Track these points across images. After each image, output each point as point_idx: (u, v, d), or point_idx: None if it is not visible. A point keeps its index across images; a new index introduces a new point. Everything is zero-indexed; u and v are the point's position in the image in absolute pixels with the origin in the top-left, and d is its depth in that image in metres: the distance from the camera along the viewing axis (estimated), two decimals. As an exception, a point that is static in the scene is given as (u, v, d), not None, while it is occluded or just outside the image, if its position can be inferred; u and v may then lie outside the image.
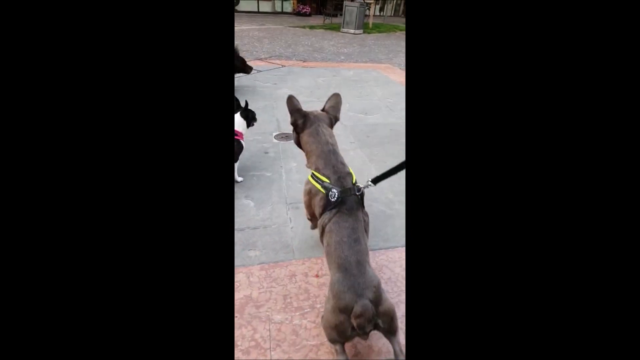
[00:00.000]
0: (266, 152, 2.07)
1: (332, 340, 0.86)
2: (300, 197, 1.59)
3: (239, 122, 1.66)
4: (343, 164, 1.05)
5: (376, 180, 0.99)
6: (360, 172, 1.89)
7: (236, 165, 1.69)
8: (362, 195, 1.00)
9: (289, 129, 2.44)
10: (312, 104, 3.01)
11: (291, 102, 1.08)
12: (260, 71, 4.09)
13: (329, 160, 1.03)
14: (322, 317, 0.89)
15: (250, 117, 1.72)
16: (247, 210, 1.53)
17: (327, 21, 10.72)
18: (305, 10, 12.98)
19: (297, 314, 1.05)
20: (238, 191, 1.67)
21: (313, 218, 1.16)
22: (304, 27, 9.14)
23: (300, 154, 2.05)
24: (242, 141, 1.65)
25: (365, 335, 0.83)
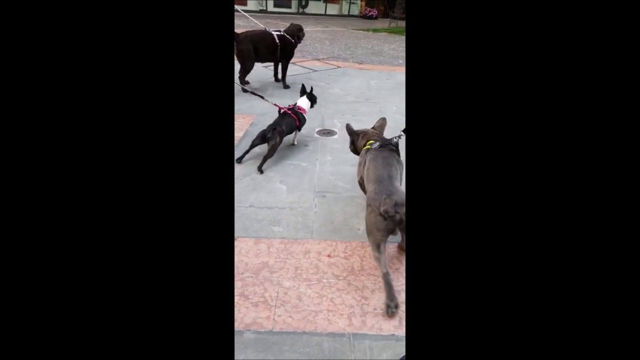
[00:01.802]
0: (306, 145, 2.24)
1: (372, 240, 1.14)
2: (328, 187, 1.77)
3: (304, 102, 2.24)
4: (388, 139, 1.46)
5: (406, 130, 1.35)
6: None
7: (298, 133, 2.21)
8: (397, 145, 1.40)
9: (332, 126, 2.58)
10: (358, 105, 3.11)
11: (349, 128, 1.62)
12: (316, 71, 4.30)
13: (376, 135, 1.52)
14: (365, 228, 1.18)
15: (313, 100, 2.32)
16: (278, 193, 1.70)
17: (393, 24, 10.61)
18: (372, 13, 13.00)
19: (304, 284, 1.17)
20: (274, 176, 1.85)
21: (360, 179, 1.51)
22: (367, 30, 9.22)
23: (336, 149, 2.18)
24: (304, 115, 2.19)
25: (395, 227, 1.11)
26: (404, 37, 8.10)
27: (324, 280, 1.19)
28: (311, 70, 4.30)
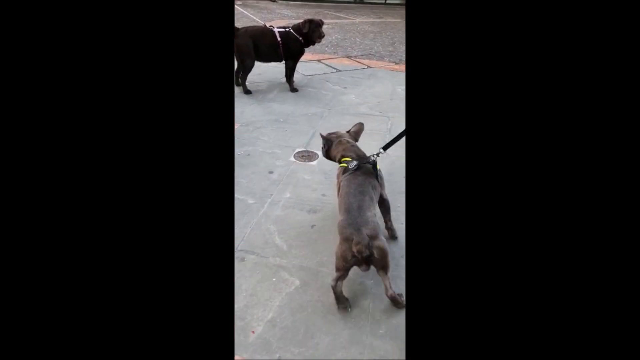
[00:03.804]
0: (271, 172, 1.84)
1: (337, 268, 1.10)
2: (257, 244, 1.37)
3: None
4: (364, 153, 1.36)
5: (385, 147, 1.31)
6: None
7: None
8: (374, 164, 1.29)
9: (319, 146, 2.12)
10: (368, 120, 2.56)
11: (323, 137, 1.45)
12: (340, 71, 3.80)
13: (352, 150, 1.37)
14: (335, 251, 1.13)
15: None
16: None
17: (459, 15, 9.30)
18: (438, 2, 11.63)
19: None
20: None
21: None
22: (426, 21, 8.19)
23: (303, 183, 1.74)
24: None
25: (363, 263, 1.06)
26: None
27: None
28: (335, 70, 3.81)
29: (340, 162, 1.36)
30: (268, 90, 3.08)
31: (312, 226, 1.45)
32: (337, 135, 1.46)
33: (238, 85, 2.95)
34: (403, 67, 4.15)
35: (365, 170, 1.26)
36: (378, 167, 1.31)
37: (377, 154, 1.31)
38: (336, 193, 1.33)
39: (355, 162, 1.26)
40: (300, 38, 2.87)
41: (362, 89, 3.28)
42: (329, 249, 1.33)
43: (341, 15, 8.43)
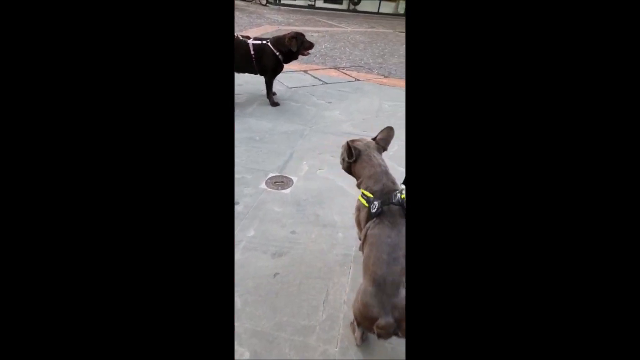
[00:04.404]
0: (236, 203, 1.64)
1: (358, 325, 0.97)
2: None
3: None
4: (394, 182, 1.09)
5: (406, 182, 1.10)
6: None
7: None
8: (401, 204, 1.00)
9: (295, 170, 1.94)
10: (350, 138, 2.40)
11: (348, 147, 1.13)
12: (327, 83, 3.64)
13: (379, 180, 1.07)
14: (353, 305, 0.97)
15: None
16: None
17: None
18: (431, 13, 11.70)
19: None
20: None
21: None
22: (417, 33, 8.15)
23: (271, 220, 1.53)
24: None
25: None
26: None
27: None
28: (321, 82, 3.65)
29: (359, 187, 1.10)
30: (247, 104, 2.88)
31: (275, 275, 1.26)
32: (365, 145, 1.14)
33: None
34: (391, 81, 4.02)
35: (393, 213, 0.98)
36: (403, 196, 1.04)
37: (401, 191, 1.03)
38: (360, 242, 1.06)
39: (377, 204, 0.99)
40: (278, 53, 2.66)
41: (348, 103, 3.12)
42: (292, 305, 1.14)
43: (333, 23, 8.32)
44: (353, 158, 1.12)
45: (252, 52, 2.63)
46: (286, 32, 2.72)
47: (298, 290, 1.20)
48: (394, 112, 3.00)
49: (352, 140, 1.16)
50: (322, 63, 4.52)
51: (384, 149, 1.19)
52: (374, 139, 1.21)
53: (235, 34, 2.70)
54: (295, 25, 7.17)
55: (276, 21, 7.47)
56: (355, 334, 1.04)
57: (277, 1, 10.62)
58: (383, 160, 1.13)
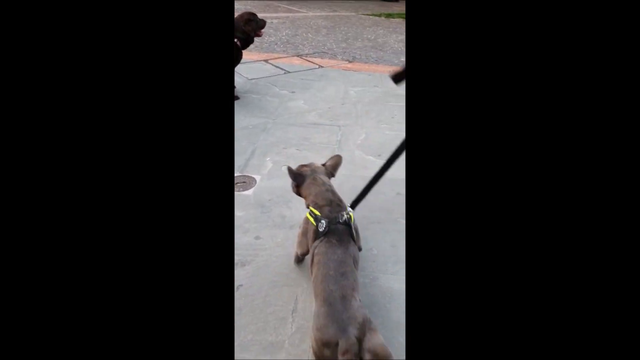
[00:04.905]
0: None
1: None
2: None
3: None
4: (340, 201, 1.12)
5: (353, 205, 1.19)
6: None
7: None
8: (348, 224, 1.03)
9: (258, 168, 1.82)
10: (316, 130, 2.29)
11: (291, 172, 1.15)
12: (289, 72, 3.48)
13: (326, 197, 1.10)
14: (311, 337, 0.87)
15: None
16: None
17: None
18: (394, -6, 11.61)
19: None
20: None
21: (302, 254, 1.21)
22: (379, 15, 8.06)
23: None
24: None
25: None
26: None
27: None
28: (284, 71, 3.48)
29: (308, 207, 1.12)
30: (204, 99, 2.68)
31: (238, 287, 1.15)
32: (312, 170, 1.19)
33: None
34: (356, 66, 3.92)
35: (340, 232, 1.00)
36: (352, 220, 1.07)
37: (348, 212, 1.06)
38: (309, 263, 1.04)
39: (324, 223, 1.01)
40: (236, 40, 2.44)
41: (313, 92, 3.00)
42: (257, 320, 1.05)
43: (294, 8, 8.02)
44: (296, 182, 1.17)
45: None
46: (236, 16, 2.52)
47: (263, 302, 1.11)
48: (360, 98, 2.92)
49: (301, 166, 1.22)
50: (284, 51, 4.32)
51: (332, 175, 1.23)
52: (323, 165, 1.25)
53: None
54: (254, 12, 6.83)
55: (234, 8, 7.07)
56: None
57: (234, -13, 10.07)
58: (329, 182, 1.18)
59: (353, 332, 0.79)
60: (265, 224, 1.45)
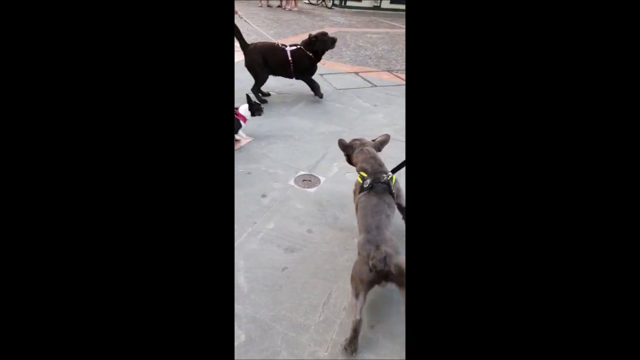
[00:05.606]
0: (263, 196, 1.74)
1: (354, 287, 1.09)
2: None
3: (244, 109, 2.25)
4: (381, 164, 1.40)
5: (393, 171, 1.33)
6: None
7: (236, 135, 2.25)
8: (388, 183, 1.30)
9: (324, 171, 1.98)
10: (390, 145, 2.34)
11: (341, 144, 1.51)
12: (376, 86, 3.59)
13: (370, 164, 1.38)
14: (351, 273, 1.13)
15: (254, 110, 2.26)
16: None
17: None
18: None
19: None
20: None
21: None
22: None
23: (290, 217, 1.61)
24: (242, 122, 2.23)
25: (382, 279, 1.04)
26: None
27: None
28: (370, 85, 3.62)
29: (358, 172, 1.40)
30: (293, 103, 3.00)
31: (284, 269, 1.31)
32: (361, 143, 1.48)
33: (263, 99, 2.94)
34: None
35: (379, 189, 1.27)
36: (394, 180, 1.33)
37: (389, 175, 1.32)
38: (354, 210, 1.37)
39: (369, 181, 1.29)
40: (311, 54, 2.83)
41: (394, 108, 3.04)
42: (293, 300, 1.18)
43: (396, 24, 8.11)
44: (347, 151, 1.49)
45: (290, 59, 2.81)
46: (312, 34, 2.89)
47: (302, 287, 1.24)
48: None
49: (353, 140, 1.52)
50: (376, 65, 4.46)
51: (379, 149, 1.50)
52: (373, 140, 1.52)
53: (274, 42, 2.92)
54: (356, 27, 7.17)
55: (338, 23, 7.56)
56: (355, 305, 1.05)
57: (343, 3, 10.70)
58: (375, 152, 1.45)
59: (384, 248, 1.04)
60: (319, 220, 1.59)
